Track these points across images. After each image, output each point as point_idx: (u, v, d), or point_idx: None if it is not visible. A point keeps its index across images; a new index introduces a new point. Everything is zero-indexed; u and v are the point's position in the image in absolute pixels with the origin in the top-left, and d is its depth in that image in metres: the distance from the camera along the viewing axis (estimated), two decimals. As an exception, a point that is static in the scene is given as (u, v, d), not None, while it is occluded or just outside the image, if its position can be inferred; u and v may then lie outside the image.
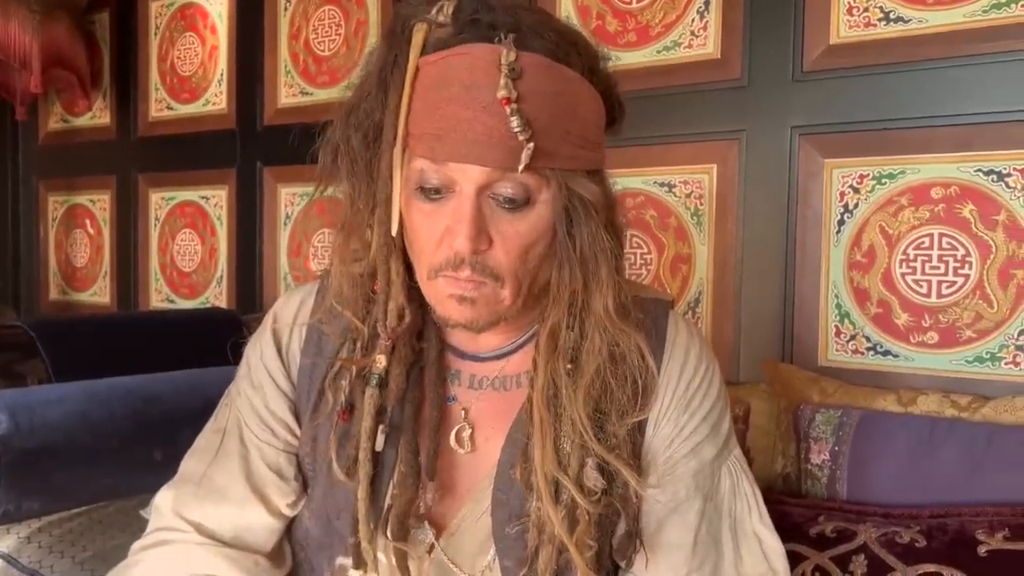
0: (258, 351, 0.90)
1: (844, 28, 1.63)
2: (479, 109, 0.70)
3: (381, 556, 0.83)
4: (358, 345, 0.84)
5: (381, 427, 0.81)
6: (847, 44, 1.63)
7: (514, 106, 0.69)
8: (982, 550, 1.08)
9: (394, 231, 0.76)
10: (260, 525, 0.87)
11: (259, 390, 0.89)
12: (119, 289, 2.99)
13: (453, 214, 0.73)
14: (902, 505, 1.23)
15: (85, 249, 3.11)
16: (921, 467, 1.27)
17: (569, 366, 0.79)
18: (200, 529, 0.86)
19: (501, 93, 0.69)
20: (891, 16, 1.58)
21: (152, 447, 1.73)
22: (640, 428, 0.84)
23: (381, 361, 0.79)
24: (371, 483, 0.81)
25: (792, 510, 1.24)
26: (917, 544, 1.11)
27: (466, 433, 0.85)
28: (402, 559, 0.82)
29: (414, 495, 0.82)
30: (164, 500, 0.90)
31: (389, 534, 0.81)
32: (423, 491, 0.83)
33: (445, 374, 0.86)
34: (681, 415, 0.85)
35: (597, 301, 0.78)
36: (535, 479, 0.79)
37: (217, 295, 2.72)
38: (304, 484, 0.89)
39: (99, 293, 3.07)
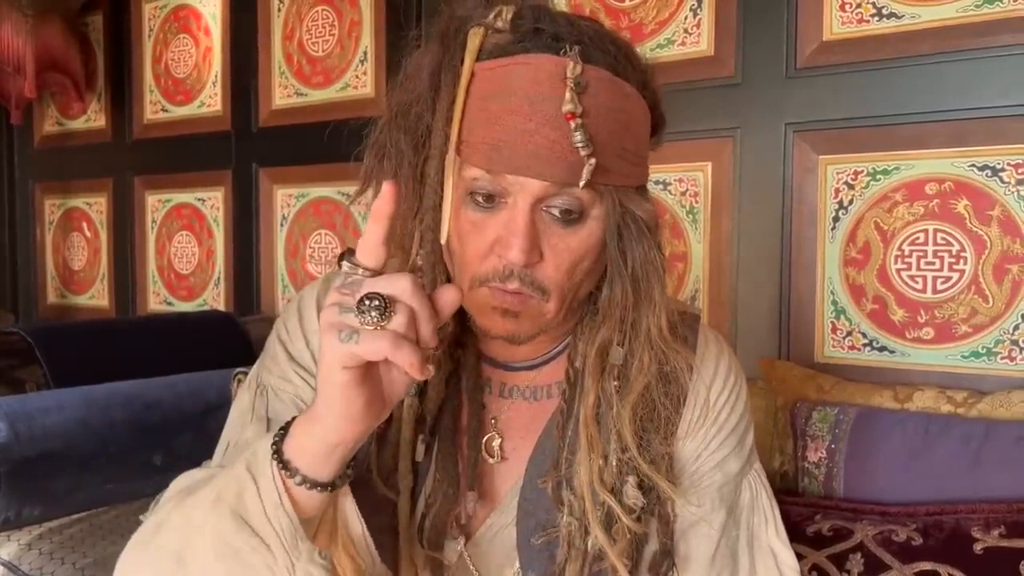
0: (282, 345, 0.86)
1: (837, 24, 1.63)
2: (542, 122, 0.68)
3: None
4: None
5: (421, 437, 0.80)
6: (840, 40, 1.63)
7: (579, 121, 0.67)
8: (978, 547, 1.09)
9: (443, 239, 0.73)
10: None
11: (291, 382, 0.84)
12: (117, 292, 2.99)
13: (506, 226, 0.71)
14: (899, 503, 1.24)
15: (82, 252, 3.11)
16: (917, 464, 1.27)
17: (616, 383, 0.78)
18: None
19: (567, 107, 0.67)
20: (884, 12, 1.58)
21: (151, 452, 1.74)
22: (673, 439, 0.84)
23: (431, 371, 0.73)
24: (410, 493, 0.80)
25: (789, 509, 1.24)
26: (913, 542, 1.12)
27: (496, 443, 0.84)
28: (437, 569, 0.81)
29: (453, 505, 0.81)
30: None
31: (425, 543, 0.80)
32: (463, 500, 0.82)
33: (485, 383, 0.85)
34: (709, 428, 0.85)
35: (649, 320, 0.77)
36: (568, 494, 0.78)
37: (215, 297, 2.72)
38: None
39: (97, 296, 3.07)
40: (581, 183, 0.68)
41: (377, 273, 0.62)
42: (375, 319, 0.58)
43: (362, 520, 0.71)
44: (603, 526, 0.77)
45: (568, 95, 0.67)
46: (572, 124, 0.67)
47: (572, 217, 0.72)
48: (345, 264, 0.63)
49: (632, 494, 0.78)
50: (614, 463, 0.78)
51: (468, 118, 0.71)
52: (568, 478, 0.79)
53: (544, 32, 0.71)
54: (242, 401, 0.85)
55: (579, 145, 0.67)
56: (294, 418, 0.68)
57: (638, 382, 0.78)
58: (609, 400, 0.78)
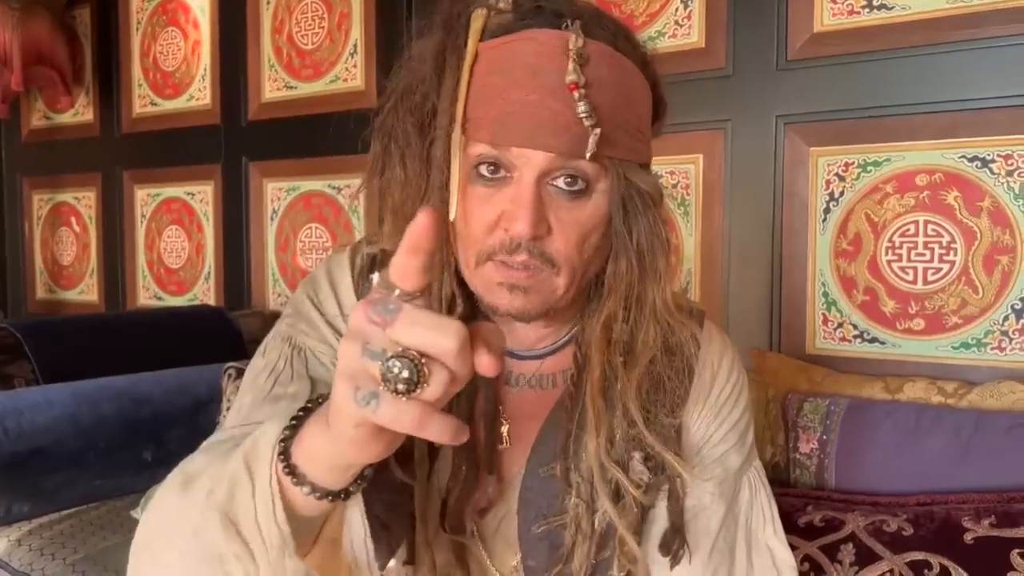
0: (301, 328, 0.83)
1: (828, 16, 1.63)
2: (545, 93, 0.68)
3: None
4: None
5: None
6: (831, 32, 1.63)
7: (581, 91, 0.68)
8: (968, 537, 1.09)
9: (452, 216, 0.72)
10: None
11: (311, 364, 0.82)
12: (106, 287, 2.98)
13: (512, 200, 0.71)
14: (890, 493, 1.24)
15: (71, 247, 3.10)
16: (908, 455, 1.28)
17: (622, 358, 0.78)
18: None
19: (570, 78, 0.68)
20: (874, 3, 1.58)
21: (141, 447, 1.74)
22: (678, 428, 0.84)
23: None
24: (427, 477, 0.79)
25: (781, 500, 1.23)
26: (904, 532, 1.12)
27: (504, 428, 0.84)
28: (460, 553, 0.81)
29: (473, 489, 0.80)
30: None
31: (448, 528, 0.80)
32: (484, 486, 0.81)
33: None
34: (711, 423, 0.85)
35: (653, 293, 0.77)
36: (576, 477, 0.78)
37: (205, 291, 2.71)
38: None
39: (86, 291, 3.05)
40: (588, 154, 0.68)
41: (415, 297, 0.50)
42: (403, 388, 0.47)
43: (367, 525, 0.68)
44: (611, 500, 0.77)
45: (571, 66, 0.68)
46: (576, 94, 0.68)
47: (578, 189, 0.72)
48: (377, 279, 0.52)
49: (638, 469, 0.78)
50: (620, 438, 0.78)
51: (472, 96, 0.71)
52: (576, 462, 0.79)
53: (545, 9, 0.72)
54: (270, 359, 0.82)
55: (583, 115, 0.68)
56: (302, 410, 0.62)
57: (644, 356, 0.78)
58: (615, 373, 0.78)
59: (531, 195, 0.70)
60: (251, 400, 0.80)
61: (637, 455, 0.78)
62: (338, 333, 0.82)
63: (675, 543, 0.81)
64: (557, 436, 0.81)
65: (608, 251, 0.78)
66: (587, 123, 0.68)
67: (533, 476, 0.82)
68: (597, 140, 0.68)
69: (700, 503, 0.84)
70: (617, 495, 0.78)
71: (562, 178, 0.71)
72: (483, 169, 0.72)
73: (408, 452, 0.78)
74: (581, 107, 0.68)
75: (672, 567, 0.82)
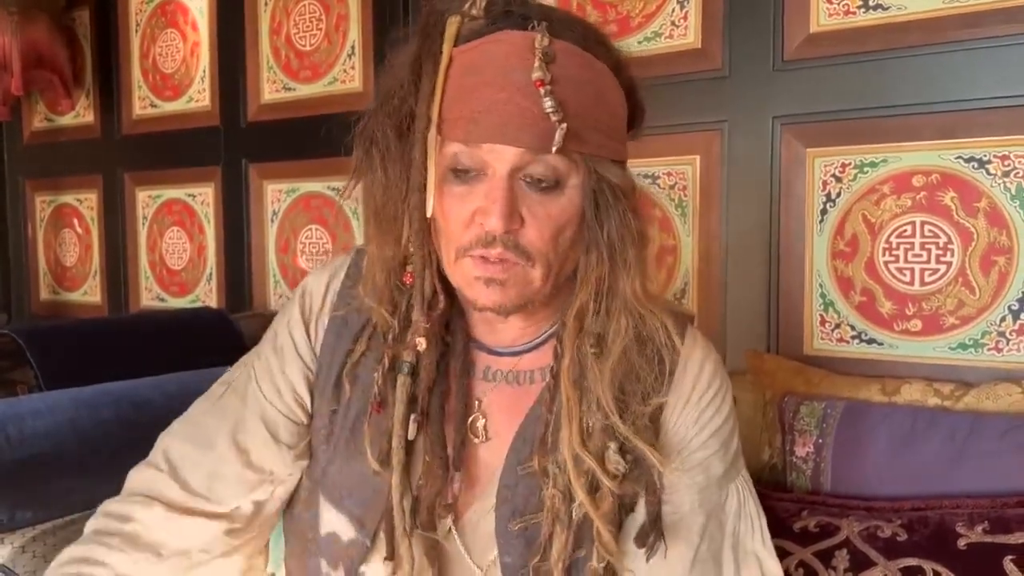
0: (286, 319, 0.92)
1: (824, 16, 1.62)
2: (513, 91, 0.72)
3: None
4: (389, 337, 0.84)
5: (413, 416, 0.82)
6: (827, 32, 1.62)
7: (547, 87, 0.71)
8: (961, 543, 1.09)
9: (428, 213, 0.77)
10: (234, 477, 0.88)
11: (279, 354, 0.90)
12: (109, 288, 2.99)
13: (486, 196, 0.74)
14: (885, 498, 1.24)
15: (74, 248, 3.11)
16: (904, 459, 1.28)
17: (594, 348, 0.81)
18: (174, 472, 0.90)
19: (535, 75, 0.71)
20: (870, 4, 1.58)
21: (144, 452, 1.74)
22: (658, 421, 0.86)
23: (422, 344, 0.80)
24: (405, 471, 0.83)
25: (776, 505, 1.25)
26: (898, 538, 1.13)
27: (480, 423, 0.87)
28: (431, 548, 0.84)
29: (442, 486, 0.83)
30: (162, 437, 0.96)
31: (419, 524, 0.83)
32: (450, 482, 0.84)
33: (470, 367, 0.88)
34: (692, 426, 0.87)
35: (624, 284, 0.80)
36: (554, 468, 0.81)
37: (207, 292, 2.72)
38: (303, 455, 0.91)
39: (90, 292, 3.06)
40: (554, 148, 0.72)
41: None
42: None
43: None
44: (586, 491, 0.79)
45: (536, 63, 0.72)
46: (542, 91, 0.71)
47: (548, 185, 0.75)
48: None
49: (614, 459, 0.80)
50: (597, 428, 0.80)
51: (447, 98, 0.75)
52: (554, 454, 0.82)
53: (514, 13, 0.76)
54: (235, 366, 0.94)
55: (549, 111, 0.71)
56: None
57: (616, 345, 0.81)
58: (587, 362, 0.81)
59: (503, 190, 0.74)
60: (204, 411, 0.94)
61: (612, 445, 0.81)
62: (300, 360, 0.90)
63: (651, 536, 0.83)
64: (536, 432, 0.84)
65: (584, 247, 0.80)
66: (553, 118, 0.71)
67: (511, 473, 0.85)
68: (564, 135, 0.72)
69: (679, 510, 0.85)
70: (593, 486, 0.80)
71: (533, 173, 0.75)
72: (458, 167, 0.76)
73: (387, 447, 0.82)
74: (547, 103, 0.71)
75: (648, 559, 0.84)
